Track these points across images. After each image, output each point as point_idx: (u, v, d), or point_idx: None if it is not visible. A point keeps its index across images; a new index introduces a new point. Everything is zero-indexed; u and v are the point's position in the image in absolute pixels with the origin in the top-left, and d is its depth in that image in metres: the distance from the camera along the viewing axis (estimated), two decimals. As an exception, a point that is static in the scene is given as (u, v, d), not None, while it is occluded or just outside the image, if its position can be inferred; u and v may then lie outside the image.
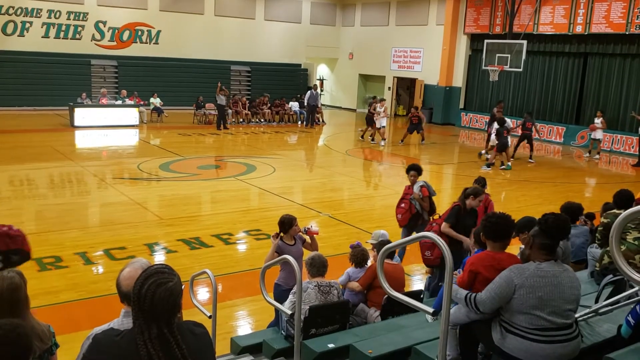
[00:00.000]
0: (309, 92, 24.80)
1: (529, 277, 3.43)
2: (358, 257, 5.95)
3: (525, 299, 3.41)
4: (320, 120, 25.92)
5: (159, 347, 2.14)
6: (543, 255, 3.52)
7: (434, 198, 8.33)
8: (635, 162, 18.56)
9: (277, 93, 27.07)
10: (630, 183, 14.90)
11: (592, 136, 19.58)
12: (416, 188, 8.07)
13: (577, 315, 3.86)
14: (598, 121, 19.18)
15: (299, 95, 27.00)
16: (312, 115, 24.79)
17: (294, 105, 26.07)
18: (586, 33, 21.63)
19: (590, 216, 7.35)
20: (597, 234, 6.04)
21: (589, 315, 4.23)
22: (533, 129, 18.07)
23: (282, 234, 6.11)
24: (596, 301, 4.55)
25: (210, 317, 5.15)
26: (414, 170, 8.20)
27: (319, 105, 25.57)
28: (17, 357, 2.34)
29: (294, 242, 6.14)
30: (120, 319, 2.68)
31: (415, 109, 21.38)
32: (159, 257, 8.64)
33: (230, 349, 5.66)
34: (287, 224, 6.08)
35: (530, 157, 18.08)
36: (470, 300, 3.62)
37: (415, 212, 8.09)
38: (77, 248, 8.72)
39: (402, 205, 8.18)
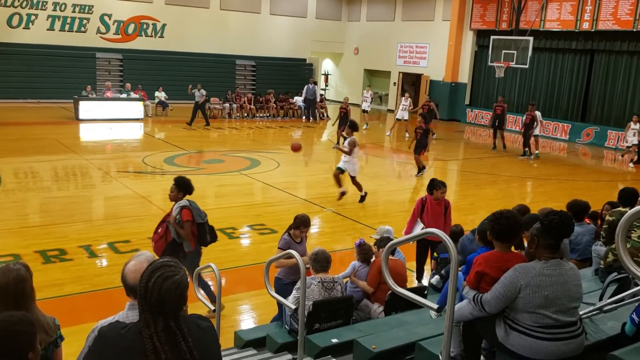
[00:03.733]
0: (306, 86, 24.84)
1: (535, 276, 3.41)
2: (369, 253, 6.00)
3: (532, 298, 3.40)
4: (325, 115, 25.90)
5: (165, 341, 2.15)
6: (548, 254, 3.50)
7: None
8: (636, 159, 18.49)
9: (281, 88, 27.05)
10: (635, 181, 14.86)
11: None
12: (175, 210, 6.36)
13: (581, 313, 3.85)
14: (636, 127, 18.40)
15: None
16: (311, 110, 24.85)
17: (299, 100, 26.04)
18: (593, 30, 21.54)
19: (594, 215, 7.31)
20: (602, 232, 6.02)
21: (594, 312, 4.21)
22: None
23: (292, 230, 6.13)
24: (600, 299, 4.53)
25: (214, 310, 5.17)
26: (175, 184, 6.47)
27: (318, 100, 25.44)
28: (14, 353, 2.33)
29: (300, 241, 6.16)
30: (125, 312, 2.69)
31: (429, 99, 21.82)
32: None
33: (233, 343, 5.68)
34: (299, 222, 6.09)
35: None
36: (477, 300, 3.61)
37: (171, 241, 6.33)
38: (81, 241, 8.74)
39: (159, 230, 6.44)
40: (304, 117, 25.23)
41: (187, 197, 6.47)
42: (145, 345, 2.13)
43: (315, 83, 26.42)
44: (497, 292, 3.50)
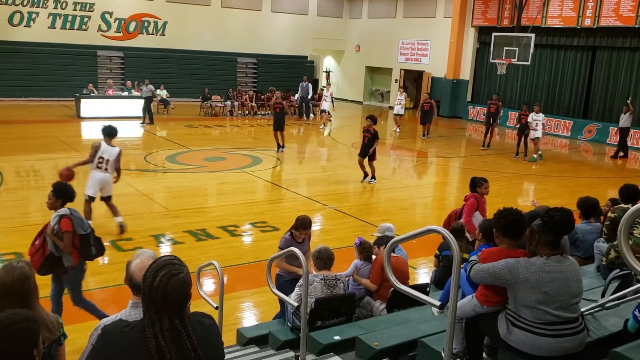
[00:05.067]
0: (300, 84, 24.71)
1: (535, 272, 3.42)
2: (369, 251, 6.01)
3: (530, 293, 3.40)
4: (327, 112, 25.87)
5: (169, 339, 2.15)
6: (548, 250, 3.50)
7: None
8: (613, 153, 18.84)
9: (283, 85, 26.94)
10: (636, 177, 14.83)
11: None
12: (53, 219, 5.65)
13: (583, 309, 3.85)
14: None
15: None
16: (306, 107, 24.81)
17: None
18: (595, 26, 21.49)
19: (598, 212, 7.30)
20: (603, 229, 6.02)
21: (596, 309, 4.22)
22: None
23: (293, 230, 6.12)
24: (603, 295, 4.54)
25: (216, 308, 5.17)
26: (53, 190, 5.76)
27: (309, 97, 25.13)
28: (18, 352, 2.33)
29: (302, 241, 6.14)
30: (128, 310, 2.68)
31: (428, 95, 21.62)
32: (166, 249, 8.67)
33: (236, 340, 5.69)
34: (298, 224, 6.06)
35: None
36: (469, 265, 3.63)
37: (49, 254, 5.62)
38: (83, 239, 8.73)
39: (36, 242, 5.72)
40: (304, 116, 25.16)
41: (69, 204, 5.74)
42: (149, 344, 2.13)
43: (317, 80, 26.34)
44: (491, 267, 3.51)
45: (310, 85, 24.83)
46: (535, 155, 17.31)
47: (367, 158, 13.01)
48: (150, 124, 20.62)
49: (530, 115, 16.97)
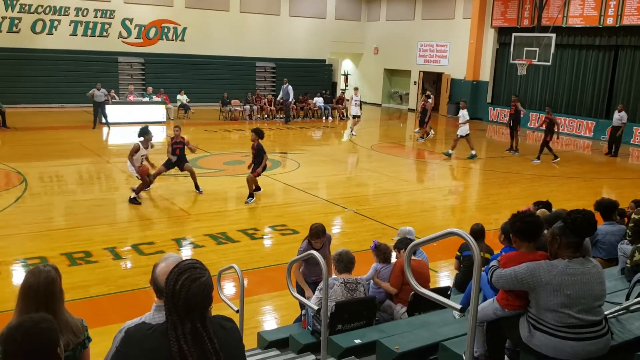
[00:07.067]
0: (282, 87, 24.21)
1: (557, 275, 3.39)
2: (387, 253, 5.99)
3: (552, 296, 3.37)
4: (345, 115, 25.90)
5: (191, 343, 2.17)
6: (571, 253, 3.47)
7: None
8: (606, 151, 18.90)
9: (301, 89, 27.07)
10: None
11: None
12: None
13: (607, 312, 3.80)
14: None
15: (323, 91, 26.98)
16: (286, 111, 24.20)
17: (319, 101, 26.08)
18: (617, 25, 21.22)
19: (621, 213, 7.21)
20: (627, 230, 5.93)
21: (620, 312, 4.16)
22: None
23: (309, 238, 6.12)
24: (627, 298, 4.48)
25: (237, 311, 5.20)
26: None
27: (291, 100, 24.48)
28: (46, 350, 2.37)
29: (322, 246, 6.13)
30: (152, 314, 2.71)
31: (427, 96, 21.30)
32: (187, 252, 8.74)
33: (257, 344, 5.71)
34: (312, 233, 6.05)
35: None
36: (490, 271, 3.61)
37: None
38: (106, 243, 8.86)
39: None
40: (324, 118, 25.09)
41: None
42: (171, 347, 2.15)
43: (335, 83, 26.19)
44: (513, 272, 3.49)
45: (290, 87, 24.00)
46: (473, 152, 17.31)
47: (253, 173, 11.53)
48: (94, 128, 20.09)
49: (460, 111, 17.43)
